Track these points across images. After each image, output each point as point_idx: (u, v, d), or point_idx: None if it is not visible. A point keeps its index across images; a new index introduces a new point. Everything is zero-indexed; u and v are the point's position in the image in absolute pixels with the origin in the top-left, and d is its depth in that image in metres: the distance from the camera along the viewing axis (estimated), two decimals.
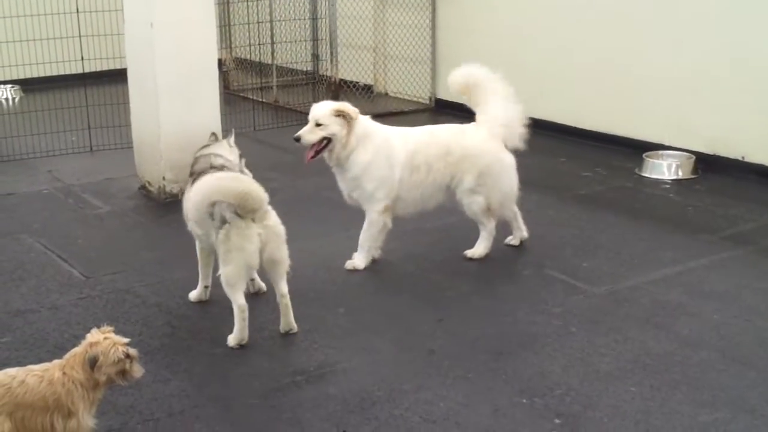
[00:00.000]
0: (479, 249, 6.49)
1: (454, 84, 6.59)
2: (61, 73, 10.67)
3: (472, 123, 6.47)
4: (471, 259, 6.45)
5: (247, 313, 5.19)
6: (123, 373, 3.95)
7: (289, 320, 5.35)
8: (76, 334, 5.17)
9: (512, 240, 6.68)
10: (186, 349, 5.23)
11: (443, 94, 11.04)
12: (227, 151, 5.70)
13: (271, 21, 11.42)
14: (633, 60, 8.99)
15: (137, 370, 4.01)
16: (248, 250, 5.11)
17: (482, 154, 6.33)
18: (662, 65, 8.75)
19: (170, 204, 7.62)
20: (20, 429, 3.85)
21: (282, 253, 5.25)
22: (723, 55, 8.27)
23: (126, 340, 4.01)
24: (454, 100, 10.75)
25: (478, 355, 5.11)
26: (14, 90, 11.66)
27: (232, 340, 5.22)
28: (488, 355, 5.10)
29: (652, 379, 4.83)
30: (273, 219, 5.21)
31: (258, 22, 11.44)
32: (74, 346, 4.07)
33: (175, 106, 7.61)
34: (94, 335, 3.97)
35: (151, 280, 6.15)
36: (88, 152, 9.20)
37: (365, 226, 6.25)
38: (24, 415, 3.84)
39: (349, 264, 6.26)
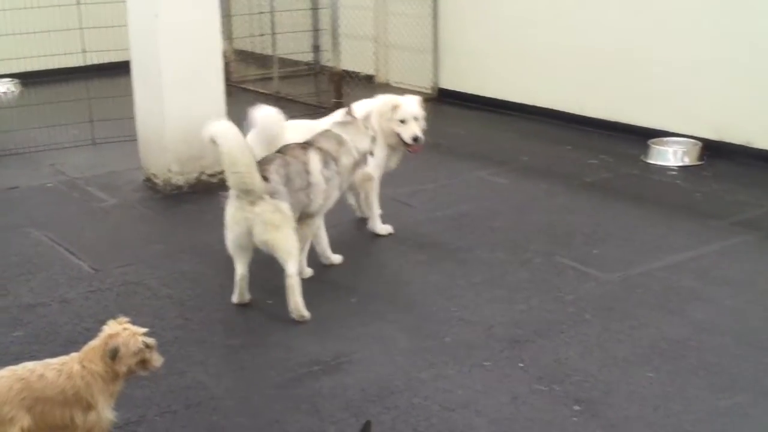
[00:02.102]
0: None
1: None
2: (62, 66, 10.66)
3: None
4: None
5: (244, 281, 5.56)
6: (143, 363, 3.91)
7: (294, 301, 5.39)
8: (88, 327, 5.18)
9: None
10: (200, 340, 5.21)
11: (446, 84, 11.02)
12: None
13: (271, 11, 11.39)
14: (637, 47, 8.96)
15: (157, 359, 3.98)
16: (235, 231, 5.42)
17: None
18: (666, 51, 8.73)
19: (177, 196, 7.62)
20: (40, 423, 3.81)
21: (273, 240, 5.35)
22: (728, 41, 8.24)
23: (144, 329, 3.98)
24: (457, 89, 10.82)
25: (493, 343, 5.09)
26: (13, 84, 11.63)
27: (233, 297, 5.60)
28: (504, 343, 5.08)
29: (670, 364, 4.81)
30: (263, 208, 5.29)
31: (259, 13, 11.40)
32: (87, 339, 4.04)
33: (180, 97, 7.57)
34: (112, 327, 3.94)
35: (161, 273, 6.11)
36: (91, 145, 9.15)
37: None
38: (43, 409, 3.80)
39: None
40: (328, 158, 5.71)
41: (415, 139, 6.43)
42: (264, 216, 5.30)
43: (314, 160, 5.64)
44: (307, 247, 5.90)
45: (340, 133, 5.84)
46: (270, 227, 5.33)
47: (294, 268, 5.40)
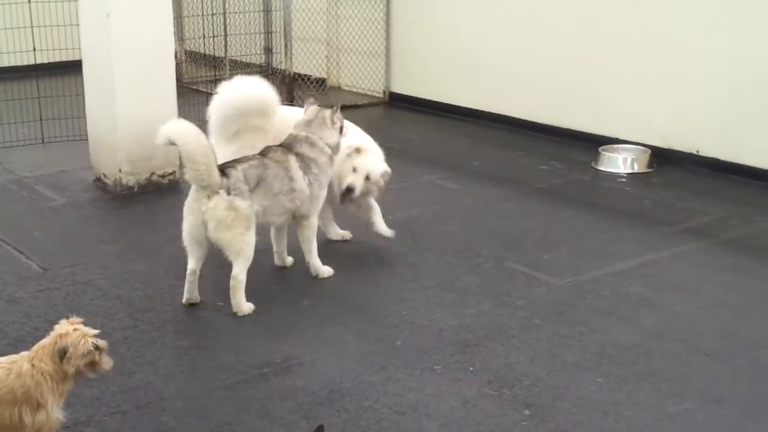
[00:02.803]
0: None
1: None
2: (12, 64, 10.49)
3: None
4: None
5: (193, 277, 5.53)
6: (92, 364, 3.88)
7: (235, 301, 5.47)
8: (37, 326, 5.14)
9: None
10: (150, 341, 5.17)
11: (397, 88, 11.03)
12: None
13: (224, 13, 11.33)
14: (589, 55, 9.04)
15: (106, 362, 3.94)
16: (188, 220, 5.43)
17: None
18: (616, 60, 8.81)
19: (127, 196, 7.57)
20: None
21: (223, 239, 5.39)
22: (678, 51, 8.33)
23: (95, 331, 3.95)
24: (409, 93, 10.84)
25: (444, 347, 5.10)
26: None
27: (183, 297, 5.57)
28: (454, 347, 5.09)
29: (619, 370, 4.85)
30: (216, 202, 5.33)
31: (212, 14, 11.34)
32: (35, 339, 4.01)
33: (132, 98, 7.52)
34: (63, 326, 3.90)
35: (111, 273, 6.06)
36: (40, 144, 9.02)
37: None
38: None
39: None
40: (307, 162, 5.75)
41: (349, 189, 6.14)
42: (216, 211, 5.32)
43: (295, 166, 5.68)
44: (314, 247, 5.99)
45: (308, 134, 5.83)
46: (221, 224, 5.34)
47: (239, 268, 5.43)
